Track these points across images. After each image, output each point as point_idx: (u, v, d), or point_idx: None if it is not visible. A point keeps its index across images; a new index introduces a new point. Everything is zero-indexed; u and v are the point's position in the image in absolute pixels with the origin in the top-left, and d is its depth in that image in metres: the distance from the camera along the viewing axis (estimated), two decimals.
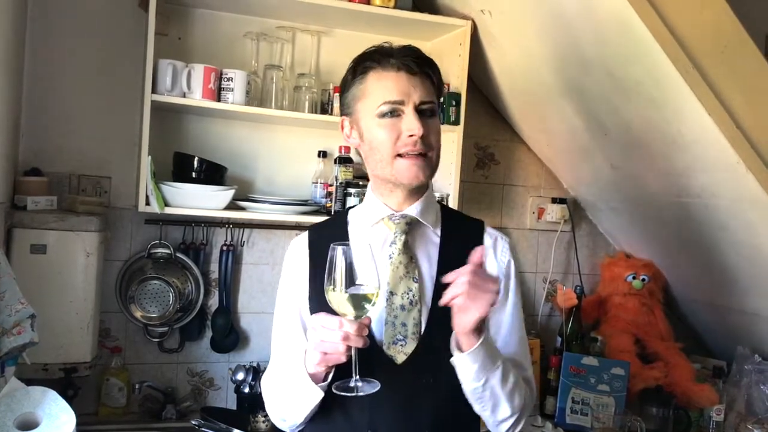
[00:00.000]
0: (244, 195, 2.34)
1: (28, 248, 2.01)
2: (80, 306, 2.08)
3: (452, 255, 1.38)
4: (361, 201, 2.35)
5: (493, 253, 1.46)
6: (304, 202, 2.35)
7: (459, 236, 1.45)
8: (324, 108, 2.40)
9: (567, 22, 1.98)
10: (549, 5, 1.98)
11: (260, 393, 2.25)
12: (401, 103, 1.33)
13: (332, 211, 2.35)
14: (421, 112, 1.34)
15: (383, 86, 1.34)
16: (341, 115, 1.46)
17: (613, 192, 2.60)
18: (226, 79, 2.20)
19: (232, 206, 2.26)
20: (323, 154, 2.45)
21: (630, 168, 2.35)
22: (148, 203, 2.11)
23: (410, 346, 1.35)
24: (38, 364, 2.01)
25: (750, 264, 2.21)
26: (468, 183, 2.73)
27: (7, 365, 1.50)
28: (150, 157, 2.10)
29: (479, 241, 1.44)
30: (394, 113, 1.33)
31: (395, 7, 2.34)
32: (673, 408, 2.36)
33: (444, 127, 2.44)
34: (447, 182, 2.49)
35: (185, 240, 2.40)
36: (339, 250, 1.21)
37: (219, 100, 2.19)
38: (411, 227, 1.41)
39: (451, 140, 2.46)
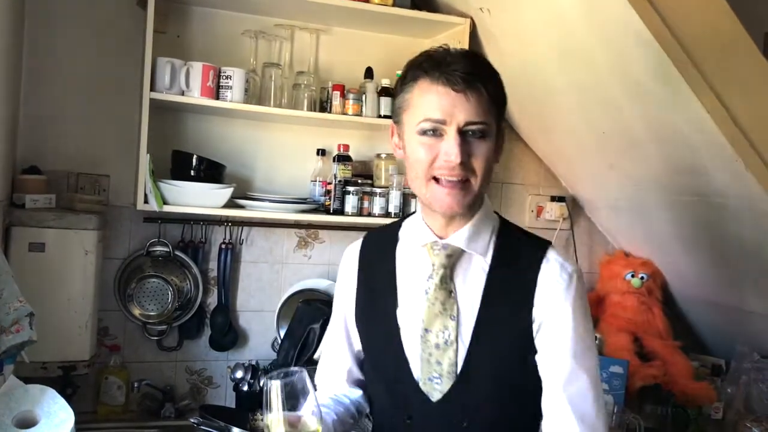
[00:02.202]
0: (242, 193, 2.34)
1: (26, 246, 2.00)
2: (79, 304, 2.07)
3: (500, 287, 1.28)
4: (359, 200, 2.37)
5: (549, 286, 1.26)
6: (302, 201, 2.35)
7: (511, 265, 1.29)
8: (323, 106, 2.39)
9: (566, 21, 1.98)
10: (548, 4, 1.98)
11: (258, 391, 2.26)
12: (443, 122, 1.19)
13: (331, 209, 2.35)
14: (465, 133, 1.20)
15: (426, 101, 1.21)
16: (392, 120, 1.36)
17: (611, 190, 2.60)
18: (224, 77, 2.19)
19: (230, 204, 2.26)
20: (322, 152, 2.45)
21: (628, 167, 2.35)
22: (146, 201, 2.11)
23: (446, 385, 1.28)
24: (37, 362, 2.00)
25: (749, 262, 2.22)
26: None
27: (5, 364, 1.50)
28: (149, 155, 2.09)
29: (534, 272, 1.27)
30: (435, 132, 1.21)
31: (394, 5, 2.34)
32: (672, 406, 2.36)
33: None
34: None
35: (184, 238, 2.40)
36: (274, 387, 1.08)
37: (218, 98, 2.19)
38: (454, 258, 1.29)
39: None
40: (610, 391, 2.37)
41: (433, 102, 1.20)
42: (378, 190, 2.41)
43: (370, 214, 2.40)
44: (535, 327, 1.25)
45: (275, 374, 1.11)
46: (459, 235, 1.29)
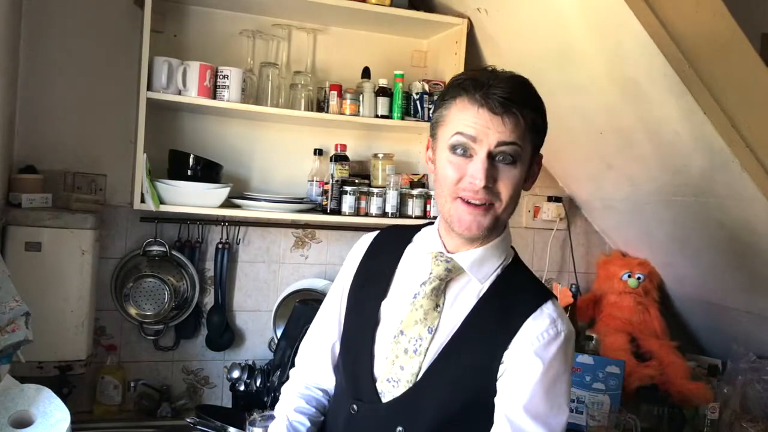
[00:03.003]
0: (239, 193, 2.34)
1: (22, 246, 2.00)
2: (75, 304, 2.07)
3: (485, 319, 1.26)
4: (357, 200, 2.36)
5: (530, 336, 1.22)
6: (299, 200, 2.35)
7: (504, 301, 1.27)
8: (320, 106, 2.39)
9: (563, 21, 1.98)
10: (545, 4, 1.98)
11: (255, 391, 2.26)
12: (474, 139, 1.19)
13: (328, 209, 2.35)
14: (495, 157, 1.19)
15: (462, 118, 1.21)
16: (429, 134, 1.34)
17: (608, 191, 2.61)
18: (221, 77, 2.19)
19: (227, 204, 2.26)
20: (319, 152, 2.45)
21: (625, 167, 2.36)
22: (143, 201, 2.10)
23: (400, 390, 1.27)
24: (33, 362, 2.00)
25: (745, 262, 2.22)
26: None
27: (1, 363, 1.50)
28: (145, 154, 2.09)
29: (522, 316, 1.24)
30: (465, 152, 1.21)
31: (391, 5, 2.34)
32: (668, 406, 2.36)
33: None
34: None
35: (180, 238, 2.40)
36: None
37: (215, 97, 2.19)
38: (452, 273, 1.29)
39: None
40: (606, 390, 2.37)
41: (469, 119, 1.20)
42: (375, 190, 2.41)
43: (367, 214, 2.40)
44: (501, 369, 1.23)
45: (257, 420, 1.15)
46: (466, 256, 1.28)
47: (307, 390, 1.48)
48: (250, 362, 2.34)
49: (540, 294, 1.29)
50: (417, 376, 1.26)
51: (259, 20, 2.41)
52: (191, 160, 2.25)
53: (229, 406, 2.36)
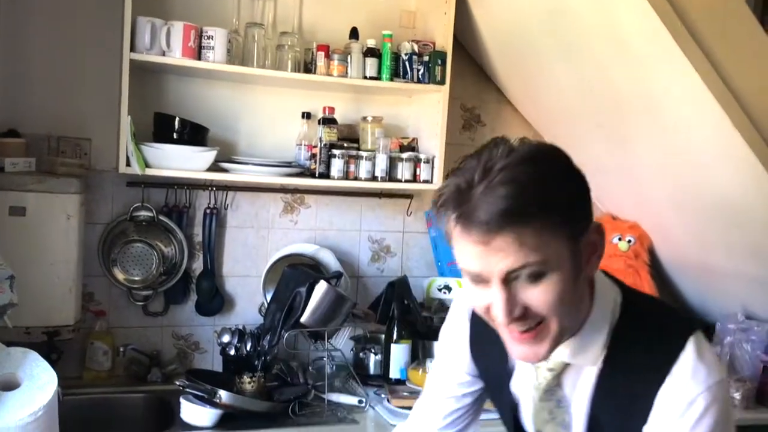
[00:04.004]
0: (226, 157, 2.31)
1: (6, 210, 1.97)
2: (62, 269, 2.05)
3: (610, 401, 1.05)
4: (345, 164, 2.34)
5: (666, 410, 0.99)
6: (287, 164, 2.32)
7: (626, 375, 1.03)
8: (307, 67, 2.36)
9: None
10: None
11: (246, 355, 2.26)
12: (479, 276, 0.96)
13: (316, 173, 2.32)
14: (515, 278, 0.94)
15: (459, 250, 0.98)
16: None
17: (599, 152, 2.59)
18: (206, 38, 2.15)
19: (214, 168, 2.23)
20: (307, 116, 2.41)
21: (616, 126, 2.34)
22: (128, 164, 2.08)
23: None
24: (20, 327, 1.97)
25: (735, 223, 2.22)
26: (454, 146, 2.69)
27: None
28: (129, 117, 2.06)
29: (651, 390, 1.00)
30: (481, 280, 0.97)
31: None
32: None
33: (429, 87, 2.42)
34: (433, 144, 2.47)
35: (168, 203, 2.37)
36: None
37: (199, 58, 2.15)
38: (556, 371, 1.09)
39: (437, 101, 2.43)
40: None
41: (465, 253, 0.96)
42: (364, 154, 2.38)
43: (356, 178, 2.37)
44: None
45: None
46: (562, 353, 1.06)
47: None
48: (241, 327, 2.34)
49: (668, 350, 1.01)
50: None
51: None
52: (177, 123, 2.21)
53: (220, 370, 2.36)
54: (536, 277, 0.94)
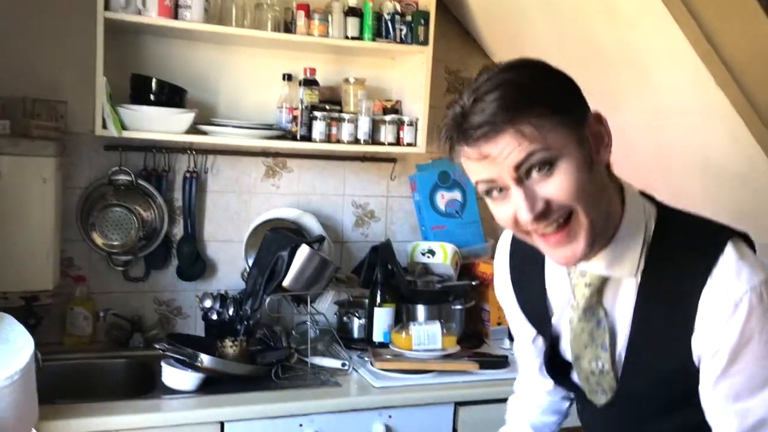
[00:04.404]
0: (206, 120, 2.27)
1: None
2: (39, 234, 2.02)
3: (652, 312, 1.05)
4: (327, 126, 2.31)
5: (711, 312, 0.98)
6: (268, 127, 2.29)
7: (667, 282, 1.03)
8: (287, 27, 2.31)
9: None
10: None
11: (228, 320, 2.25)
12: (493, 180, 0.97)
13: (298, 136, 2.29)
14: (529, 174, 0.95)
15: (469, 166, 1.00)
16: None
17: None
18: None
19: (193, 131, 2.19)
20: (288, 77, 2.37)
21: (600, 87, 2.31)
22: (104, 126, 2.04)
23: (607, 398, 1.15)
24: None
25: (718, 184, 2.21)
26: (438, 109, 2.65)
27: None
28: (105, 78, 2.01)
29: (695, 294, 0.99)
30: (500, 191, 0.98)
31: None
32: None
33: (412, 48, 2.38)
34: (416, 106, 2.44)
35: (147, 167, 2.34)
36: None
37: (176, 17, 2.10)
38: (594, 286, 1.08)
39: (420, 62, 2.40)
40: None
41: (475, 166, 0.98)
42: (346, 116, 2.35)
43: (338, 141, 2.34)
44: (695, 358, 1.02)
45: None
46: (597, 265, 1.06)
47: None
48: (223, 292, 2.32)
49: (707, 252, 1.00)
50: (614, 390, 1.14)
51: None
52: (154, 84, 2.17)
53: (203, 335, 2.35)
54: (548, 167, 0.95)
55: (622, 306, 1.08)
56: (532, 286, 1.22)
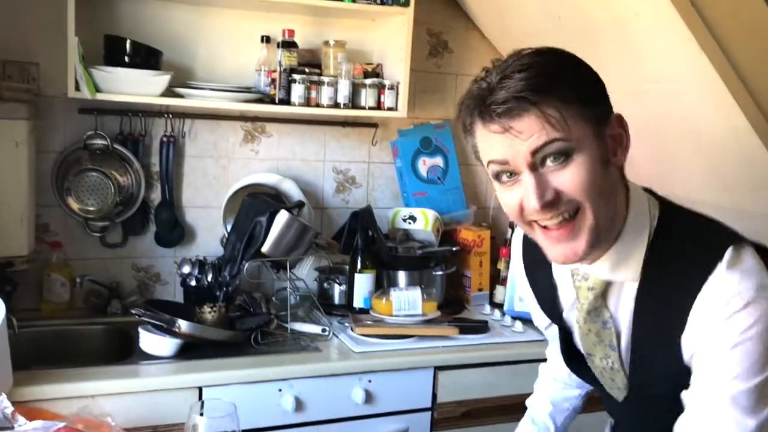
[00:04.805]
0: (183, 83, 2.22)
1: None
2: (12, 198, 1.99)
3: (650, 314, 1.05)
4: (306, 89, 2.27)
5: (705, 315, 0.97)
6: (247, 90, 2.24)
7: (665, 285, 1.03)
8: None
9: None
10: None
11: (207, 286, 2.23)
12: (506, 162, 0.97)
13: (276, 99, 2.25)
14: (543, 162, 0.95)
15: (486, 145, 0.99)
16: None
17: None
18: None
19: (169, 94, 2.15)
20: (266, 40, 2.32)
21: (584, 53, 2.28)
22: (77, 89, 1.99)
23: (624, 394, 1.18)
24: None
25: (702, 153, 2.20)
26: (419, 72, 2.63)
27: None
28: (77, 38, 1.96)
29: (690, 296, 0.98)
30: (511, 175, 0.98)
31: None
32: None
33: (392, 9, 2.34)
34: (397, 70, 2.40)
35: (123, 131, 2.29)
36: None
37: None
38: (597, 290, 1.09)
39: (401, 23, 2.35)
40: None
41: (490, 143, 0.98)
42: (326, 79, 2.31)
43: (318, 105, 2.31)
44: (686, 359, 1.03)
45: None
46: (599, 268, 1.06)
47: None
48: (201, 257, 2.30)
49: (707, 258, 0.98)
50: (627, 387, 1.16)
51: None
52: (128, 45, 2.11)
53: (181, 302, 2.33)
54: (564, 158, 0.94)
55: (624, 310, 1.09)
56: (543, 284, 1.24)
